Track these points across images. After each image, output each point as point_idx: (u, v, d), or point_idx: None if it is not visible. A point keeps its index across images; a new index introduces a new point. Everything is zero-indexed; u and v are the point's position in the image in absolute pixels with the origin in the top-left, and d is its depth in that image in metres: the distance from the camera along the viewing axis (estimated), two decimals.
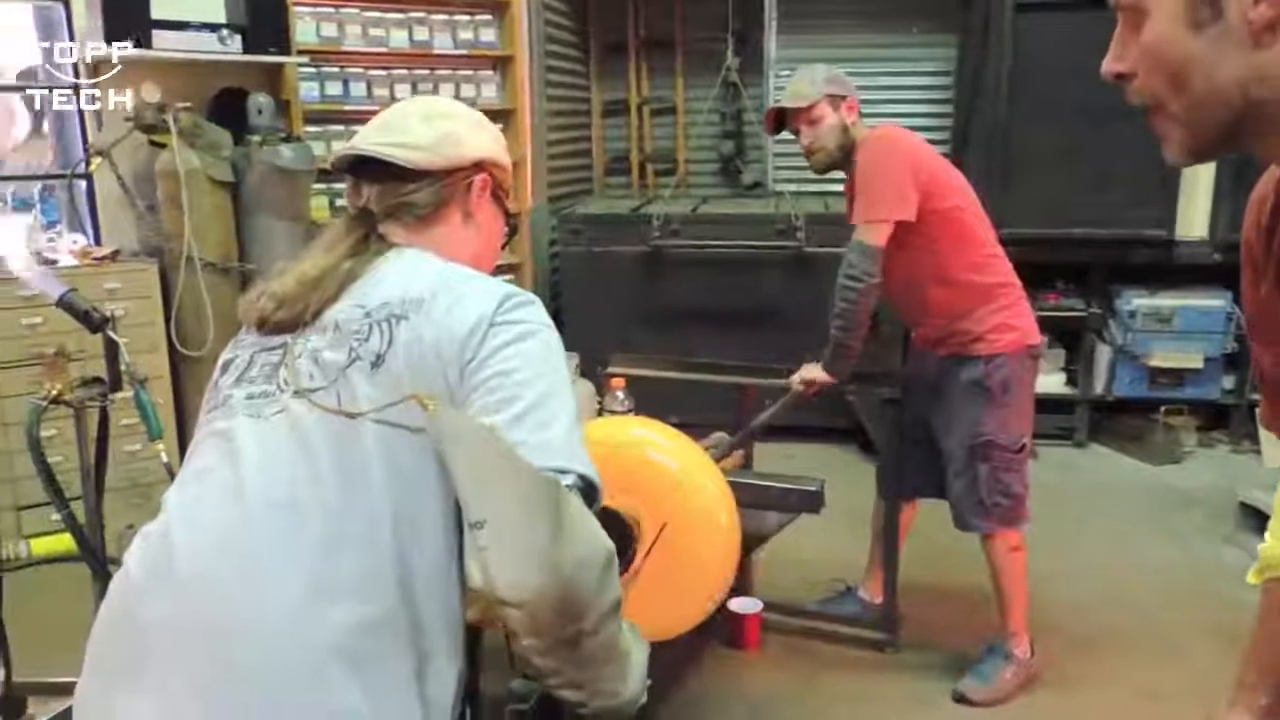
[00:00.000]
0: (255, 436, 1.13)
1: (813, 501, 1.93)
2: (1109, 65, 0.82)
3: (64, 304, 2.20)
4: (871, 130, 2.78)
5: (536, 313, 1.19)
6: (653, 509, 1.62)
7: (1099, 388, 4.99)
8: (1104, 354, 4.96)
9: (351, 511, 1.06)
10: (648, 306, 4.93)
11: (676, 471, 1.64)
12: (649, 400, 2.89)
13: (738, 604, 3.05)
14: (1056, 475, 4.60)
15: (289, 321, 1.20)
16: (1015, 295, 2.76)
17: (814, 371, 2.75)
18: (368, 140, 1.31)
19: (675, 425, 2.75)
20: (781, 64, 5.69)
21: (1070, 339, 5.04)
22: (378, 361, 1.12)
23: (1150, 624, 3.17)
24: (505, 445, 1.00)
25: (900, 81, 5.89)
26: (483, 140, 1.35)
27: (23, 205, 4.23)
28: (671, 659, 2.88)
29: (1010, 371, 2.69)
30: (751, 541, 2.41)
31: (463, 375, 1.11)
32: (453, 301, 1.15)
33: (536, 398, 1.08)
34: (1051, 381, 5.07)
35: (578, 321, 5.15)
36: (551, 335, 1.18)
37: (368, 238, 1.29)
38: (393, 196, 1.29)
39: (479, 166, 1.33)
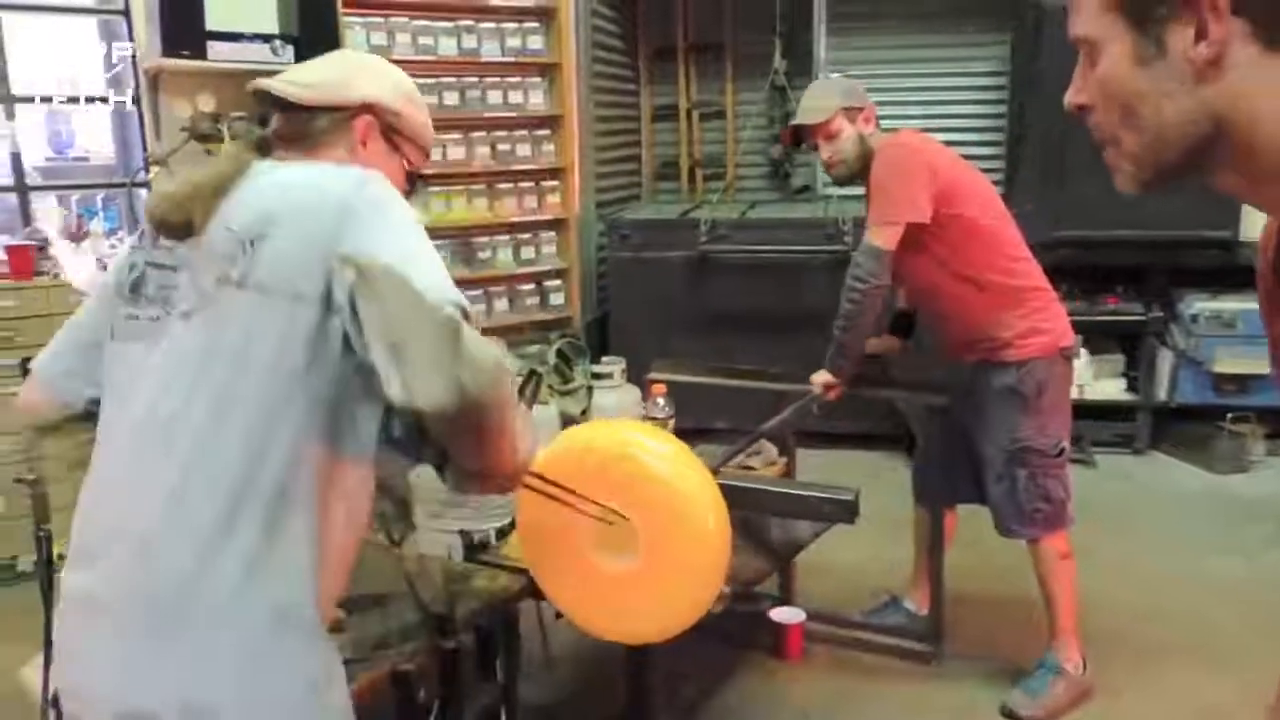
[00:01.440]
0: (146, 363, 1.29)
1: (847, 511, 1.88)
2: (1070, 97, 0.86)
3: None
4: (887, 136, 2.76)
5: (381, 186, 1.31)
6: (641, 512, 1.63)
7: (1161, 394, 4.84)
8: (1165, 359, 4.81)
9: (222, 410, 1.22)
10: (694, 312, 4.90)
11: (665, 474, 1.63)
12: (692, 406, 2.87)
13: (780, 614, 3.02)
14: (1116, 484, 4.47)
15: (180, 227, 1.31)
16: (1045, 299, 2.72)
17: (822, 374, 2.75)
18: (277, 76, 1.46)
19: (720, 431, 2.75)
20: (831, 66, 5.63)
21: (1130, 344, 4.90)
22: (243, 280, 1.24)
23: (1211, 637, 3.06)
24: (410, 287, 1.16)
25: (952, 82, 5.79)
26: (376, 85, 1.47)
27: (88, 213, 4.36)
28: (711, 668, 2.86)
29: (1044, 375, 2.65)
30: (784, 551, 2.38)
31: (333, 253, 1.22)
32: (302, 206, 1.28)
33: (406, 253, 1.22)
34: (1111, 387, 4.94)
35: (624, 327, 5.15)
36: (398, 200, 1.31)
37: (260, 149, 1.43)
38: (283, 125, 1.44)
39: (366, 108, 1.45)
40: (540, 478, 1.61)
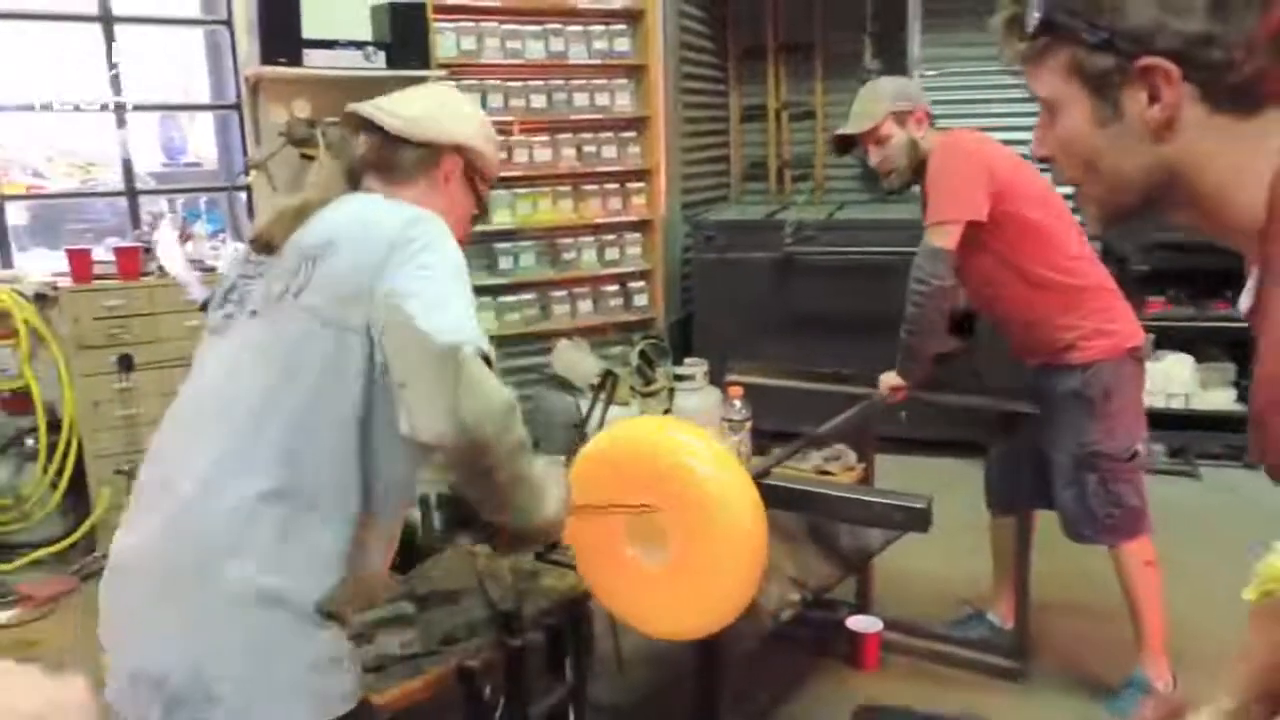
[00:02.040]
0: (215, 351, 1.43)
1: (919, 519, 1.83)
2: (1035, 150, 0.93)
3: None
4: (942, 136, 2.69)
5: (433, 226, 1.38)
6: (677, 511, 1.64)
7: None
8: None
9: (268, 403, 1.32)
10: (779, 314, 4.85)
11: (701, 473, 1.64)
12: (773, 409, 2.83)
13: (857, 622, 2.96)
14: (1220, 497, 4.26)
15: (266, 244, 1.44)
16: (1108, 299, 2.63)
17: (890, 377, 2.70)
18: (373, 103, 1.53)
19: (800, 435, 2.71)
20: (925, 64, 5.49)
21: (1241, 351, 4.66)
22: (299, 293, 1.35)
23: None
24: (417, 328, 1.25)
25: None
26: (464, 128, 1.55)
27: (191, 216, 4.55)
28: (784, 674, 2.82)
29: (1110, 378, 2.56)
30: (855, 558, 2.33)
31: (376, 284, 1.31)
32: (360, 235, 1.37)
33: (433, 293, 1.30)
34: (1220, 397, 4.71)
35: (708, 328, 5.13)
36: (444, 242, 1.37)
37: (354, 181, 1.53)
38: (374, 152, 1.52)
39: (456, 149, 1.54)
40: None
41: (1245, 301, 0.89)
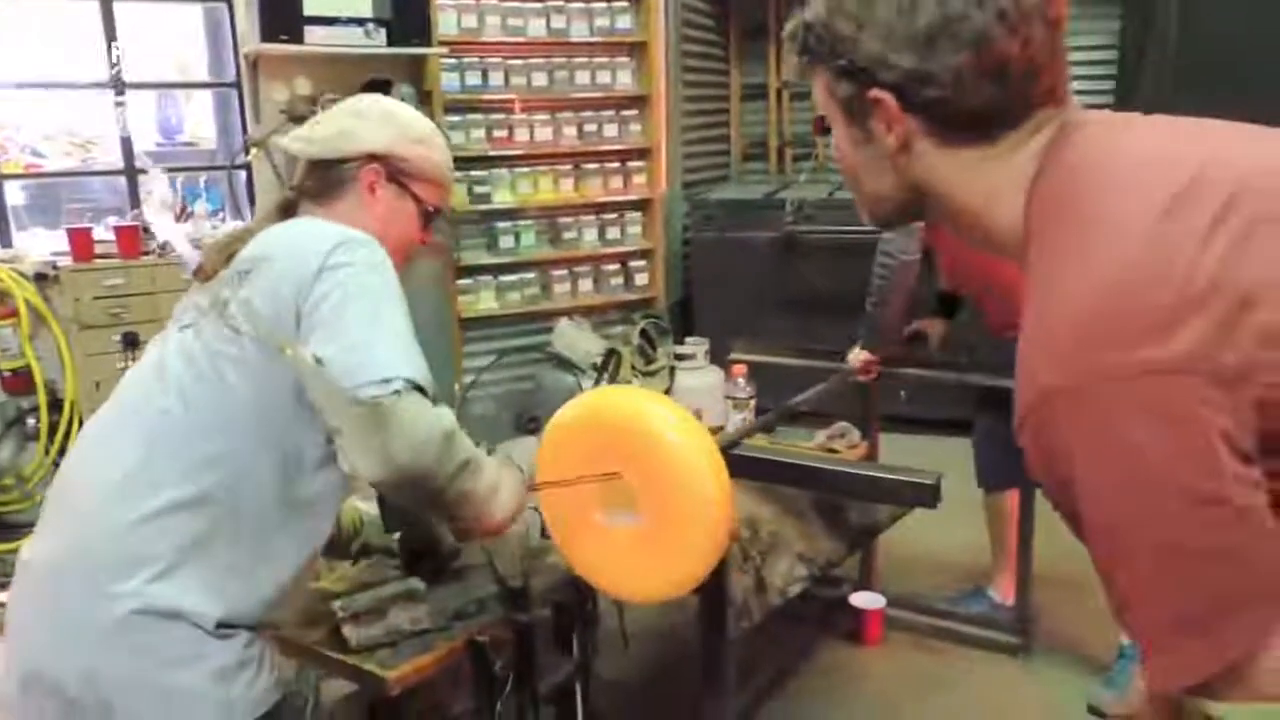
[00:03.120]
0: (143, 363, 1.45)
1: (928, 495, 1.84)
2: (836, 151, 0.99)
3: None
4: None
5: (361, 252, 1.37)
6: (644, 477, 1.66)
7: None
8: None
9: (187, 414, 1.33)
10: (780, 293, 4.85)
11: (666, 438, 1.67)
12: (774, 388, 2.84)
13: (860, 598, 2.98)
14: None
15: (206, 273, 1.46)
16: None
17: (856, 351, 2.75)
18: (294, 133, 1.57)
19: (801, 414, 2.72)
20: None
21: None
22: (225, 306, 1.37)
23: None
24: (339, 385, 1.25)
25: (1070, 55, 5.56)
26: (377, 136, 1.53)
27: (192, 195, 4.53)
28: (789, 650, 2.84)
29: None
30: (861, 535, 2.34)
31: (300, 315, 1.32)
32: (288, 253, 1.37)
33: (360, 328, 1.30)
34: None
35: (708, 307, 5.13)
36: (373, 270, 1.36)
37: (291, 209, 1.55)
38: (303, 179, 1.55)
39: (372, 158, 1.52)
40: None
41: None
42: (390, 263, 1.40)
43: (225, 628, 1.32)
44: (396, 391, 1.25)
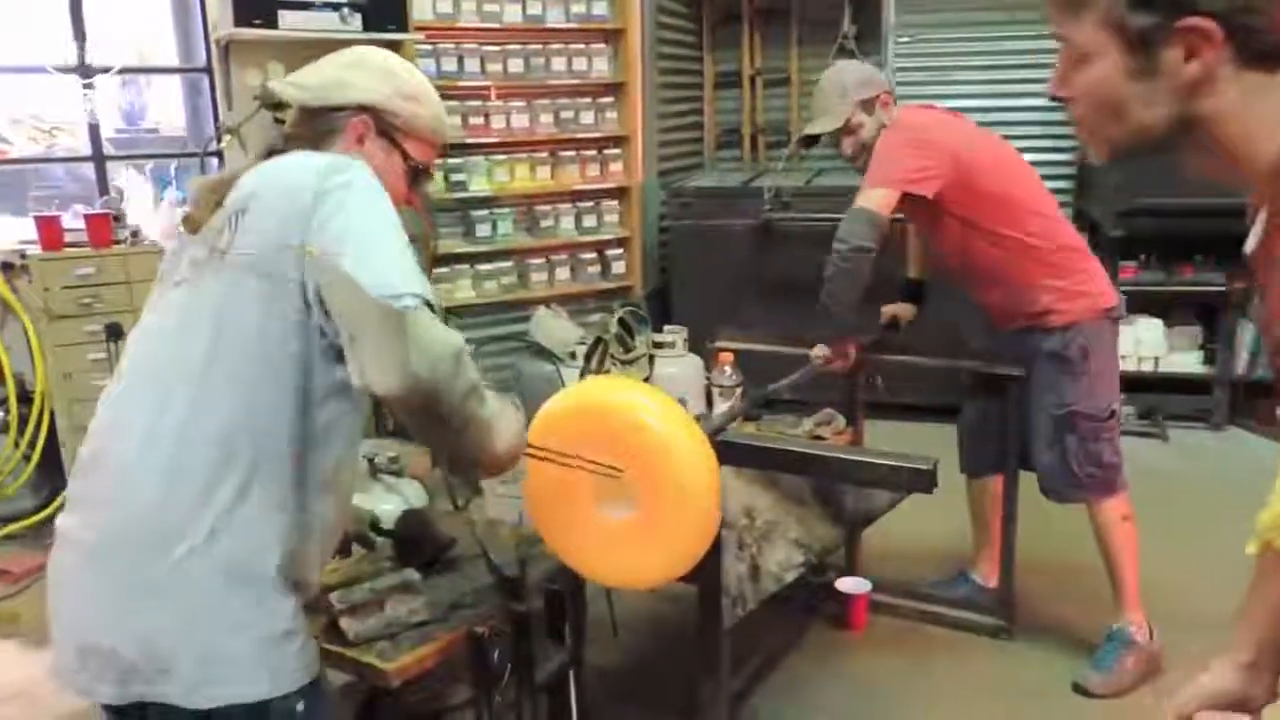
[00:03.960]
0: (142, 327, 1.44)
1: (924, 480, 1.86)
2: (1054, 89, 0.97)
3: None
4: (898, 112, 2.72)
5: (354, 172, 1.37)
6: (635, 468, 1.68)
7: (1240, 367, 4.69)
8: (1247, 331, 4.65)
9: (203, 367, 1.32)
10: (758, 280, 4.86)
11: (658, 431, 1.68)
12: (756, 375, 2.85)
13: (845, 584, 3.00)
14: (1189, 459, 4.36)
15: (196, 221, 1.44)
16: (1081, 261, 2.68)
17: (819, 346, 2.75)
18: (287, 78, 1.55)
19: (784, 401, 2.73)
20: (900, 30, 5.50)
21: (1208, 315, 4.75)
22: (226, 250, 1.35)
23: None
24: (357, 284, 1.25)
25: (1028, 46, 5.60)
26: (370, 87, 1.51)
27: (163, 182, 4.45)
28: (777, 636, 2.86)
29: (1088, 338, 2.62)
30: (858, 520, 2.36)
31: (305, 238, 1.31)
32: (281, 186, 1.36)
33: (366, 243, 1.29)
34: (1187, 360, 4.81)
35: (686, 296, 5.13)
36: (368, 185, 1.36)
37: (274, 151, 1.51)
38: (291, 126, 1.52)
39: (361, 109, 1.51)
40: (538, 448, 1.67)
41: (1251, 243, 0.94)
42: (381, 183, 1.40)
43: (285, 581, 1.34)
44: (409, 306, 1.25)
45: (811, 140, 2.84)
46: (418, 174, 1.59)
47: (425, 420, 1.33)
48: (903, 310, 3.04)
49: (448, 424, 1.33)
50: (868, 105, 2.68)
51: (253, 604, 1.31)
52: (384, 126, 1.53)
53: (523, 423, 1.53)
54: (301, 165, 1.39)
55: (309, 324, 1.32)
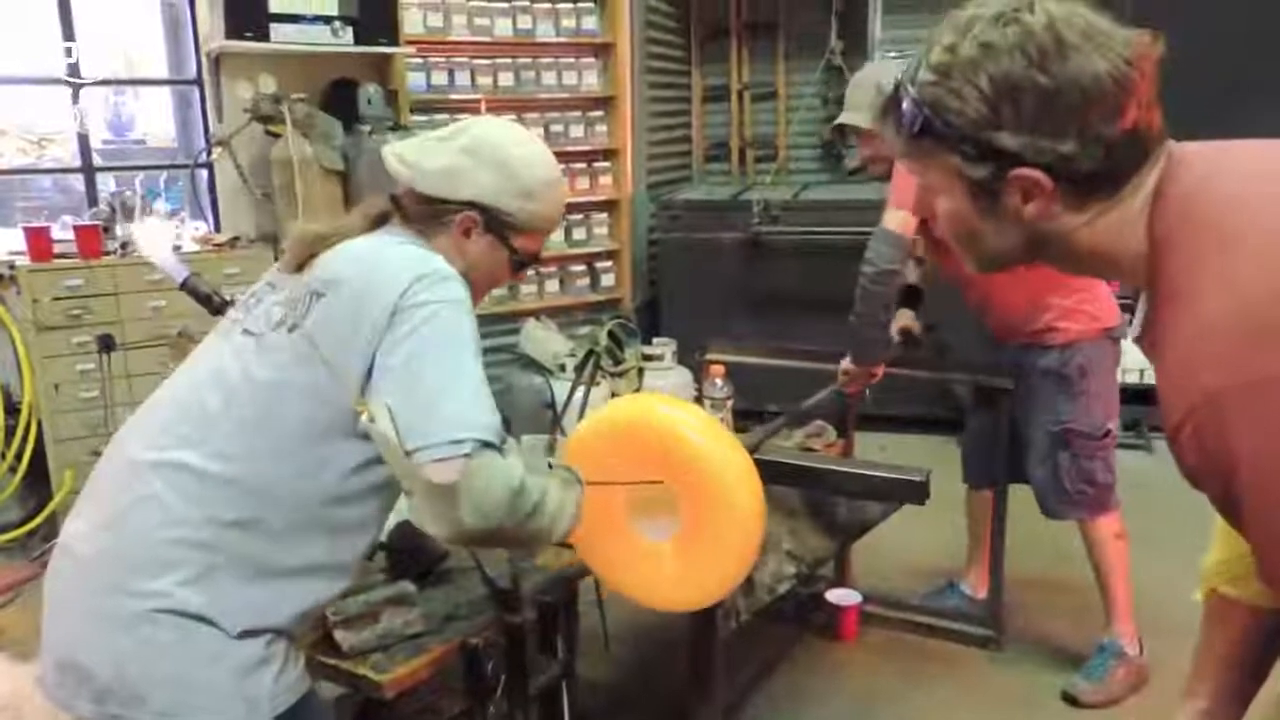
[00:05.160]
0: (206, 359, 1.42)
1: (917, 492, 1.88)
2: (914, 211, 1.11)
3: (187, 288, 2.29)
4: None
5: (441, 290, 1.33)
6: (681, 487, 1.66)
7: None
8: None
9: (241, 431, 1.32)
10: (746, 294, 4.88)
11: (700, 448, 1.65)
12: (747, 388, 2.86)
13: (836, 595, 3.01)
14: (1174, 469, 4.36)
15: (290, 264, 1.43)
16: (1087, 280, 2.66)
17: (847, 364, 2.73)
18: (400, 151, 1.49)
19: (773, 414, 2.74)
20: (886, 45, 5.56)
21: None
22: (293, 328, 1.35)
23: None
24: (410, 458, 1.25)
25: None
26: (487, 184, 1.45)
27: (150, 194, 4.43)
28: (768, 648, 2.87)
29: (1088, 358, 2.63)
30: (852, 531, 2.37)
31: (374, 355, 1.30)
32: (365, 284, 1.33)
33: (434, 381, 1.27)
34: None
35: (675, 308, 5.15)
36: (452, 313, 1.32)
37: (383, 217, 1.49)
38: (406, 198, 1.49)
39: (470, 204, 1.45)
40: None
41: (1134, 331, 0.99)
42: (469, 300, 1.36)
43: (248, 635, 1.32)
44: (467, 454, 1.24)
45: (843, 131, 2.85)
46: (523, 264, 1.54)
47: (486, 544, 1.46)
48: (909, 320, 2.99)
49: (510, 543, 1.41)
50: None
51: (218, 641, 1.30)
52: (492, 223, 1.47)
53: (581, 499, 1.48)
54: (392, 271, 1.33)
55: (354, 428, 1.32)
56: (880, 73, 2.79)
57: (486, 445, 1.26)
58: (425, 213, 1.47)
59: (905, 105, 0.95)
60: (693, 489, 1.65)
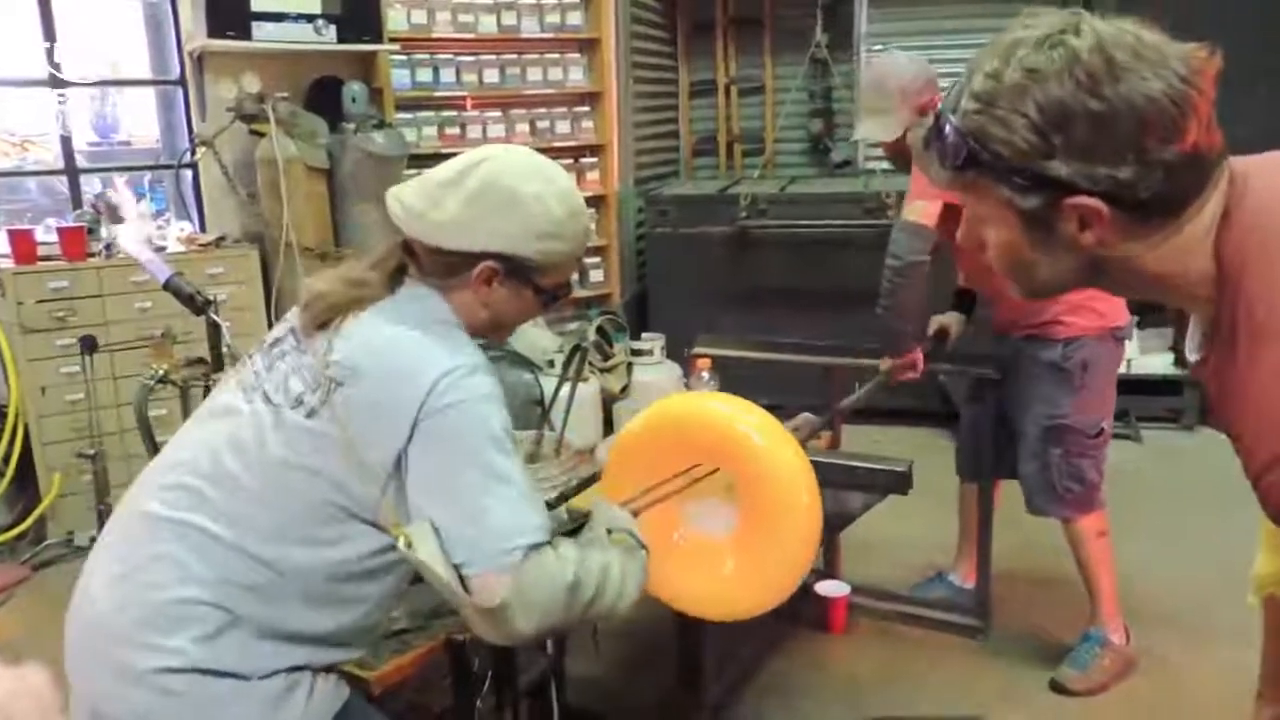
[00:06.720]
0: (230, 418, 1.37)
1: (900, 482, 1.89)
2: (962, 241, 0.99)
3: (171, 288, 2.30)
4: None
5: (467, 387, 1.29)
6: (739, 487, 1.61)
7: None
8: None
9: (253, 506, 1.31)
10: (734, 287, 4.89)
11: (758, 446, 1.61)
12: (735, 382, 2.85)
13: (825, 587, 3.02)
14: (1162, 460, 4.42)
15: (310, 327, 1.38)
16: None
17: (885, 359, 2.73)
18: (411, 193, 1.41)
19: (768, 408, 2.74)
20: (872, 39, 5.56)
21: (1179, 317, 4.80)
22: (311, 414, 1.31)
23: (1258, 613, 3.02)
24: (452, 588, 1.26)
25: None
26: (501, 233, 1.37)
27: (137, 193, 4.41)
28: (757, 641, 2.87)
29: (1090, 354, 2.61)
30: (836, 523, 2.37)
31: (405, 460, 1.28)
32: (385, 378, 1.30)
33: (475, 492, 1.26)
34: (1159, 361, 4.86)
35: (664, 303, 5.16)
36: (482, 410, 1.29)
37: (402, 269, 1.43)
38: (419, 249, 1.42)
39: (486, 255, 1.37)
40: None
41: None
42: (497, 390, 1.33)
43: (268, 676, 1.31)
44: (517, 562, 1.25)
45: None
46: (555, 298, 1.47)
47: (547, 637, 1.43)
48: (952, 320, 2.94)
49: (574, 627, 1.40)
50: (923, 109, 2.64)
51: (244, 681, 1.29)
52: (515, 271, 1.39)
53: (643, 563, 1.45)
54: (415, 367, 1.29)
55: (378, 515, 1.31)
56: (902, 73, 2.70)
57: (535, 546, 1.27)
58: (441, 265, 1.39)
59: (949, 136, 0.90)
60: (752, 484, 1.61)
